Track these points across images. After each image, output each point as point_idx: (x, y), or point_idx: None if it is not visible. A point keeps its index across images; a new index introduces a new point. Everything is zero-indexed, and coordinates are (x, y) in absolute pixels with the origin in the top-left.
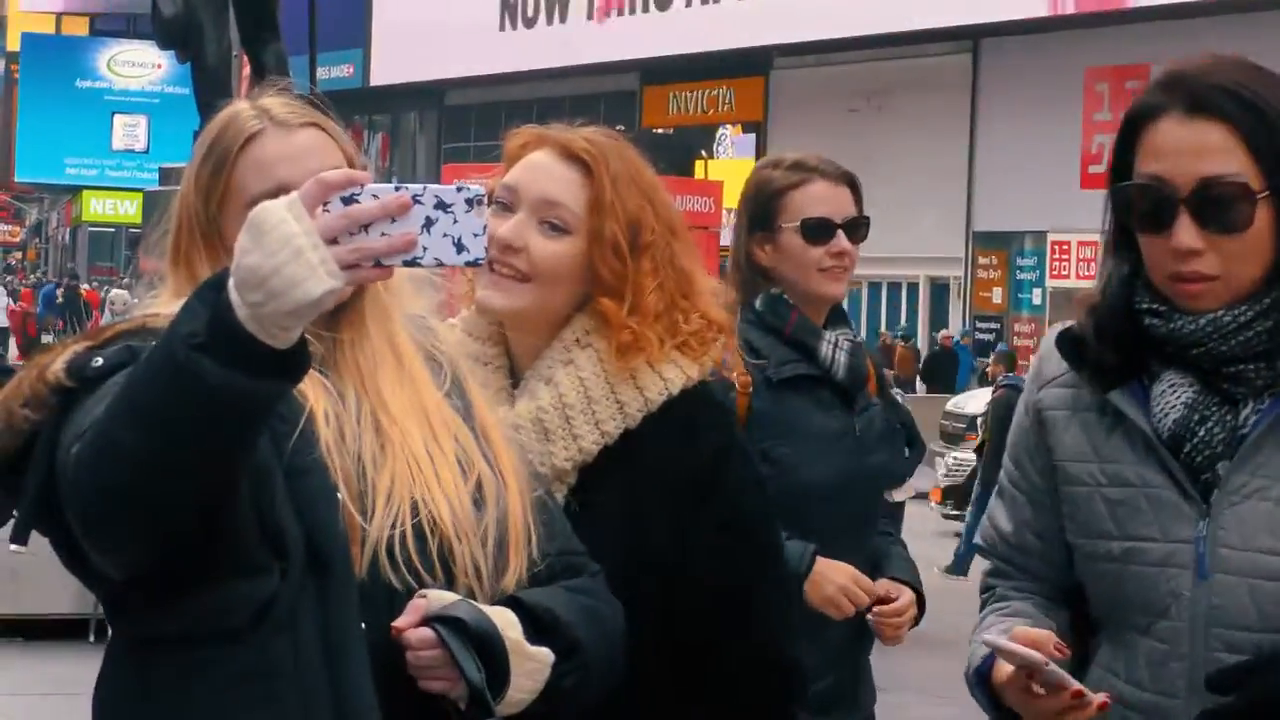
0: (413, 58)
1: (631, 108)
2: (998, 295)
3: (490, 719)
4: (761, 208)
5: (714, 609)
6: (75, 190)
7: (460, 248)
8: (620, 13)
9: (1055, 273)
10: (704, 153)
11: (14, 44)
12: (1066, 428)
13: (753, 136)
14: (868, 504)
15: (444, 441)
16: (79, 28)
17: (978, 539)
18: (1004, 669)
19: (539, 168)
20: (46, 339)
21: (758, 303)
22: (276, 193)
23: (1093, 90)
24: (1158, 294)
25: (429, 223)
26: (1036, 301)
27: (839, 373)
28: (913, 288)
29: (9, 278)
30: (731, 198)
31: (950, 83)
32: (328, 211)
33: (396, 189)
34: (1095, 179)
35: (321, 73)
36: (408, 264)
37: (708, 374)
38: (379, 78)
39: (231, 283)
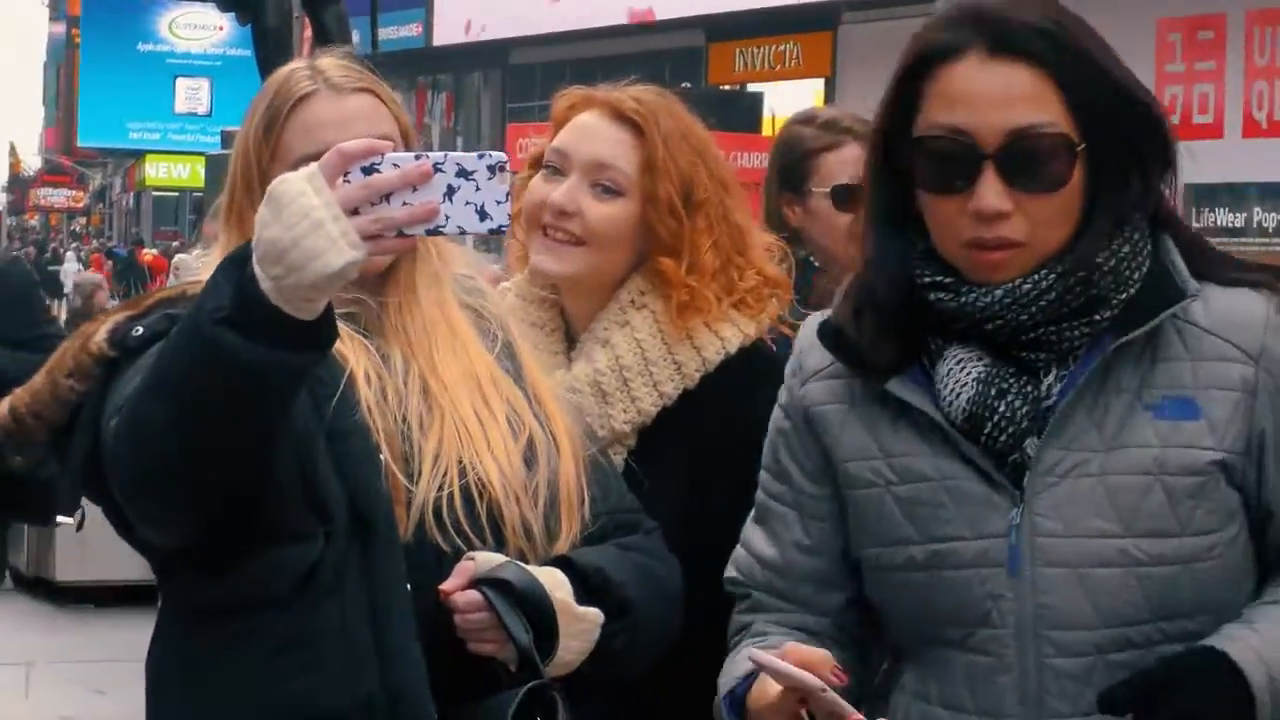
0: (476, 16)
1: (697, 64)
2: None
3: (539, 680)
4: (792, 167)
5: None
6: (138, 155)
7: (483, 215)
8: None
9: None
10: (773, 111)
11: (75, 8)
12: (844, 424)
13: (813, 85)
14: None
15: (494, 404)
16: None
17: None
18: (768, 691)
19: (588, 130)
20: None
21: None
22: (322, 156)
23: (1165, 41)
24: (941, 264)
25: (451, 191)
26: None
27: None
28: None
29: (75, 244)
30: None
31: None
32: (348, 182)
33: (417, 157)
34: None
35: (388, 32)
36: (430, 233)
37: (765, 331)
38: (442, 37)
39: (254, 257)
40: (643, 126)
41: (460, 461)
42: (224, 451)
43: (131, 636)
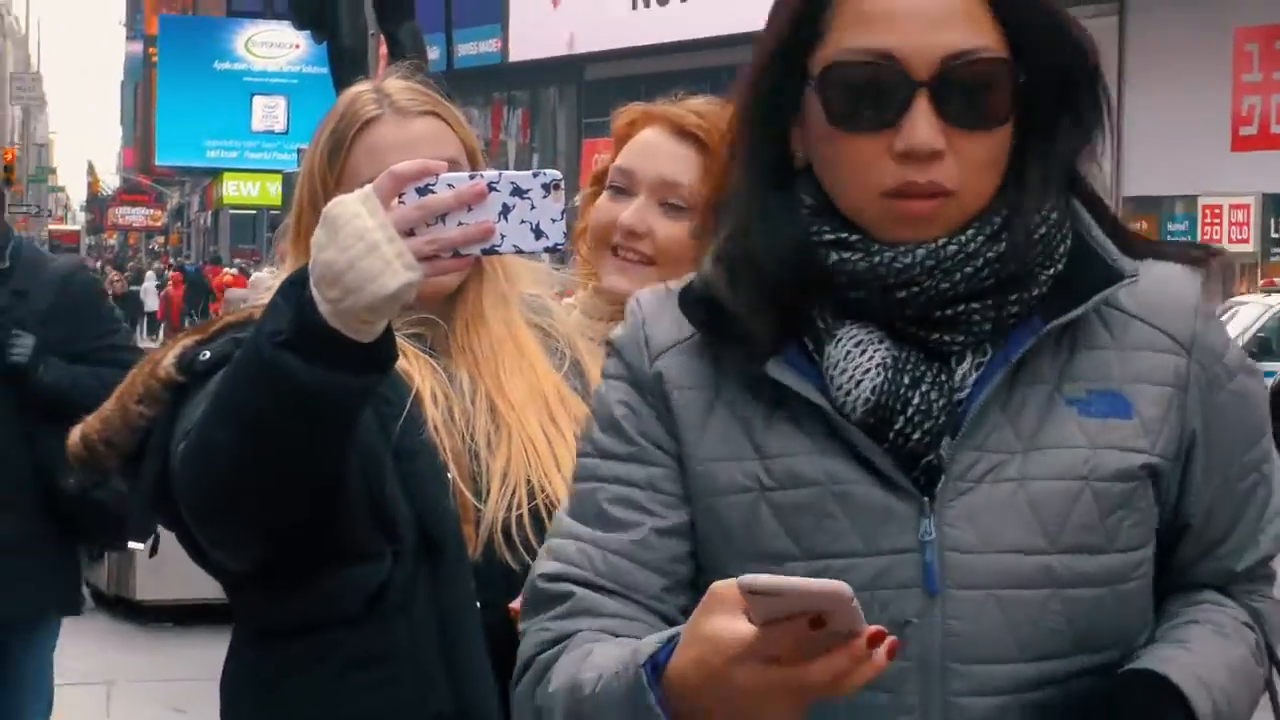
0: (552, 32)
1: None
2: None
3: None
4: None
5: None
6: (215, 173)
7: (539, 233)
8: None
9: (1207, 236)
10: None
11: (152, 27)
12: (705, 418)
13: None
14: None
15: (562, 422)
16: (216, 9)
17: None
18: (725, 640)
19: (652, 147)
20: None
21: None
22: None
23: (1242, 50)
24: (843, 221)
25: (506, 209)
26: None
27: None
28: None
29: (155, 264)
30: None
31: (1096, 46)
32: (403, 204)
33: (471, 177)
34: (1246, 141)
35: (465, 49)
36: (486, 252)
37: None
38: (518, 53)
39: (311, 279)
40: (707, 141)
41: (529, 481)
42: (287, 474)
43: (211, 655)
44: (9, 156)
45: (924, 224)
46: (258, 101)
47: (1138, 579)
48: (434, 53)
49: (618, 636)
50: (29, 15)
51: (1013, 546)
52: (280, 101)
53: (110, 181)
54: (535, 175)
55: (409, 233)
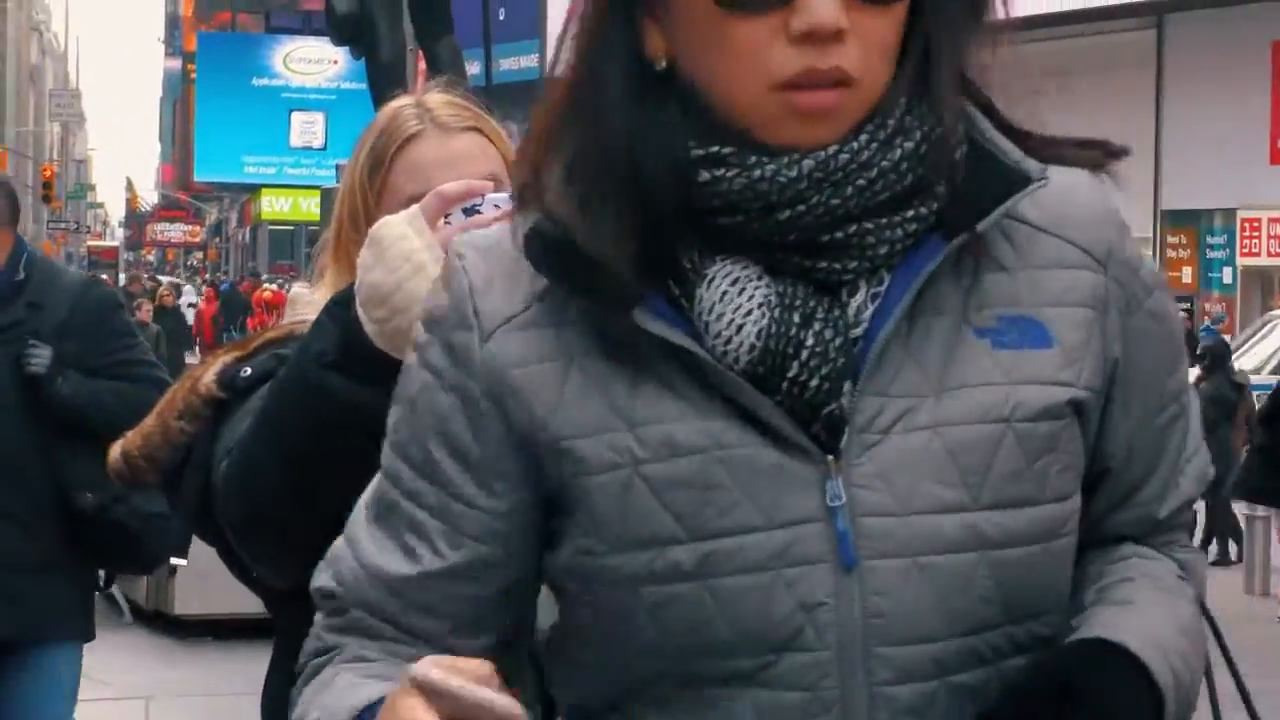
0: None
1: None
2: (1187, 274)
3: None
4: None
5: None
6: (254, 189)
7: None
8: None
9: (1246, 250)
10: None
11: (191, 44)
12: (560, 388)
13: None
14: None
15: None
16: (255, 25)
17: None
18: None
19: None
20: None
21: None
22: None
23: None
24: (717, 133)
25: None
26: (1227, 280)
27: None
28: None
29: (194, 279)
30: None
31: (1134, 60)
32: (449, 224)
33: None
34: None
35: (508, 64)
36: None
37: None
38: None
39: (357, 300)
40: None
41: None
42: (332, 491)
43: (250, 670)
44: (48, 173)
45: (827, 120)
46: (296, 117)
47: (1068, 533)
48: (474, 68)
49: (391, 657)
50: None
51: (933, 506)
52: (318, 117)
53: (149, 198)
54: None
55: None
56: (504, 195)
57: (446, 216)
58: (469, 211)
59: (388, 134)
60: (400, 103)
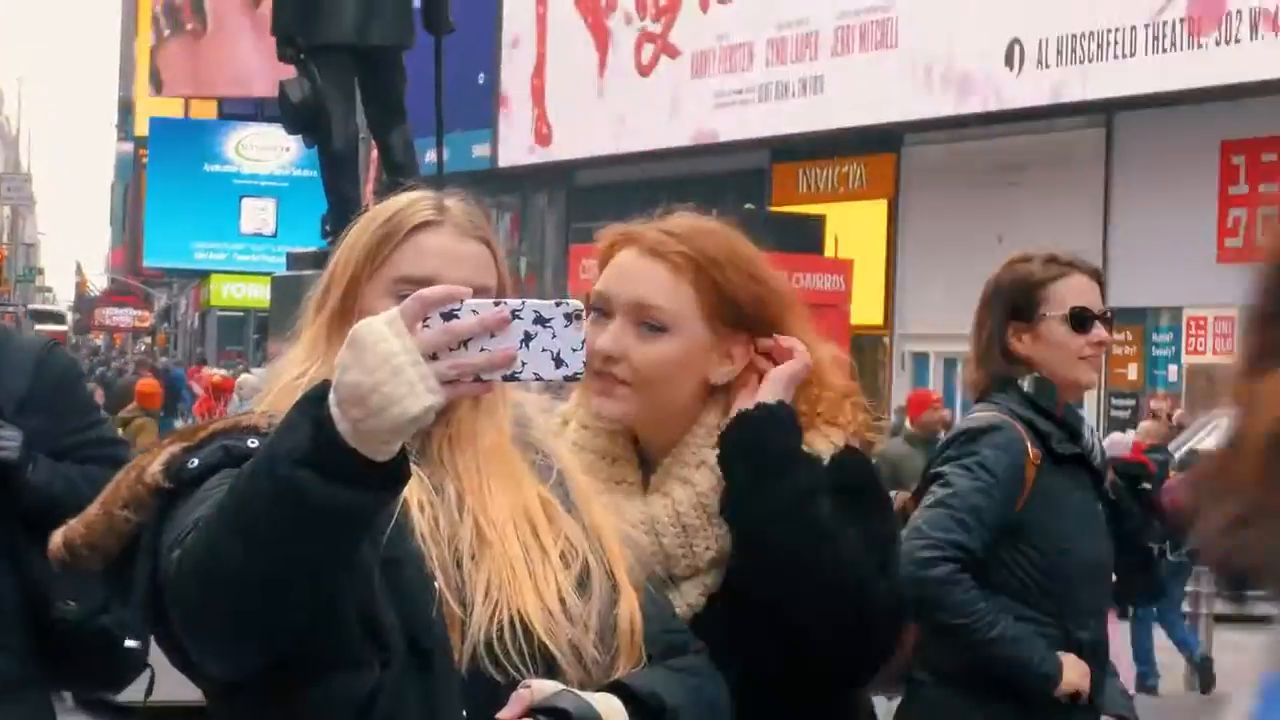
0: (541, 137)
1: (761, 186)
2: (1133, 371)
3: None
4: (1023, 298)
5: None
6: (204, 275)
7: (559, 362)
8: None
9: (1192, 349)
10: (836, 233)
11: (143, 129)
12: None
13: (876, 206)
14: (1109, 589)
15: (546, 540)
16: (207, 111)
17: None
18: None
19: (627, 270)
20: (179, 424)
21: (1025, 385)
22: (424, 281)
23: (1229, 162)
24: None
25: (528, 338)
26: (1172, 378)
27: (1096, 458)
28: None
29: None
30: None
31: (1083, 157)
32: (428, 327)
33: (496, 304)
34: (1232, 253)
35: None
36: (507, 379)
37: (854, 439)
38: (507, 159)
39: (332, 398)
40: (681, 261)
41: (509, 597)
42: (294, 587)
43: None
44: None
45: None
46: (247, 204)
47: None
48: (430, 155)
49: None
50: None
51: None
52: (270, 204)
53: (98, 282)
54: (558, 305)
55: (433, 356)
56: (483, 302)
57: (425, 321)
58: (447, 316)
59: (404, 214)
60: (418, 194)
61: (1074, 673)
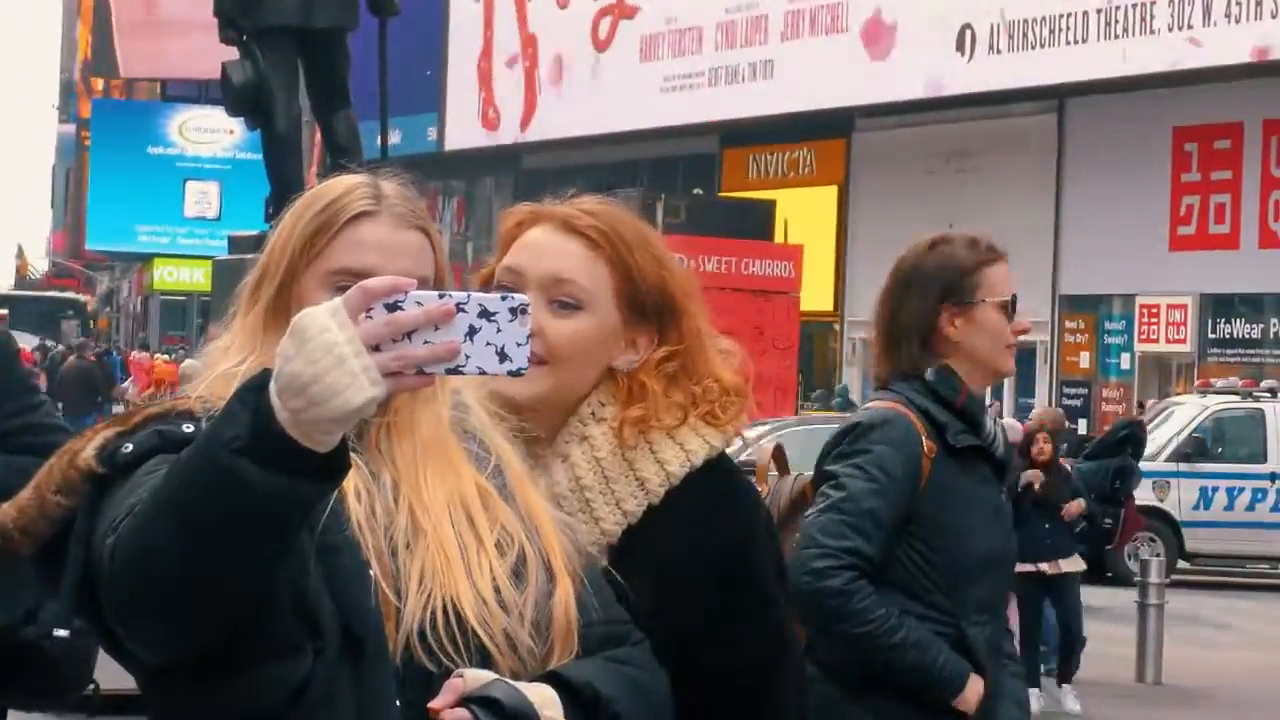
0: (488, 122)
1: (710, 171)
2: (1085, 359)
3: None
4: (957, 281)
5: (732, 697)
6: (146, 258)
7: (503, 356)
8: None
9: (1144, 336)
10: (785, 218)
11: (86, 110)
12: None
13: (826, 191)
14: (1009, 582)
15: (481, 528)
16: (151, 93)
17: None
18: None
19: (540, 245)
20: (117, 409)
21: (929, 374)
22: (362, 274)
23: (1181, 150)
24: None
25: (472, 331)
26: (1125, 366)
27: (999, 449)
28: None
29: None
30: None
31: (1035, 143)
32: (370, 318)
33: (440, 296)
34: (1184, 240)
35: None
36: (450, 372)
37: (732, 443)
38: (453, 142)
39: (273, 387)
40: (597, 238)
41: (443, 586)
42: (232, 576)
43: None
44: None
45: None
46: (190, 187)
47: None
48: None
49: None
50: None
51: None
52: (213, 187)
53: (39, 265)
54: (503, 299)
55: (375, 348)
56: (428, 294)
57: (369, 311)
58: (391, 307)
59: (339, 204)
60: (355, 179)
61: (973, 693)
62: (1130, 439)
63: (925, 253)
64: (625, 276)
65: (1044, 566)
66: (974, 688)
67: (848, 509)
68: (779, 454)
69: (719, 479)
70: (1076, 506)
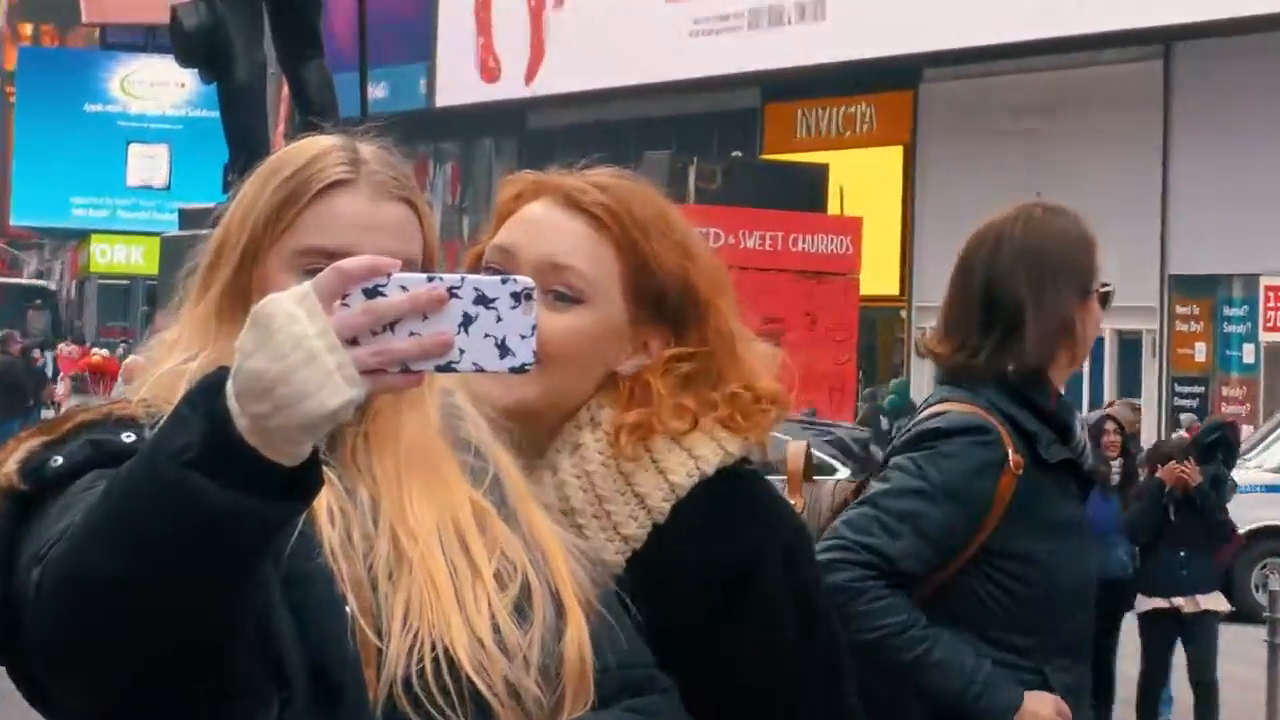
0: (487, 73)
1: (751, 130)
2: (1201, 352)
3: None
4: (1087, 265)
5: None
6: (82, 235)
7: (504, 350)
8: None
9: (1270, 324)
10: (841, 184)
11: (10, 61)
12: None
13: (889, 153)
14: (1092, 617)
15: (477, 554)
16: (88, 41)
17: None
18: None
19: (539, 223)
20: (47, 413)
21: (1011, 374)
22: (336, 254)
23: None
24: None
25: (468, 320)
26: (1248, 359)
27: (1088, 459)
28: (1096, 345)
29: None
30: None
31: (1136, 96)
32: (347, 306)
33: (429, 280)
34: None
35: (381, 92)
36: (441, 369)
37: (751, 451)
38: (447, 98)
39: (231, 388)
40: (605, 217)
41: (431, 629)
42: (181, 612)
43: None
44: None
45: None
46: (134, 151)
47: None
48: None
49: None
50: None
51: None
52: (161, 151)
53: None
54: (504, 282)
55: (353, 341)
56: (414, 277)
57: (344, 298)
58: (371, 293)
59: (310, 170)
60: (330, 141)
61: (1044, 706)
62: (1221, 443)
63: (1042, 223)
64: (637, 265)
65: (1180, 603)
66: (1041, 703)
67: (884, 505)
68: (808, 456)
69: (732, 487)
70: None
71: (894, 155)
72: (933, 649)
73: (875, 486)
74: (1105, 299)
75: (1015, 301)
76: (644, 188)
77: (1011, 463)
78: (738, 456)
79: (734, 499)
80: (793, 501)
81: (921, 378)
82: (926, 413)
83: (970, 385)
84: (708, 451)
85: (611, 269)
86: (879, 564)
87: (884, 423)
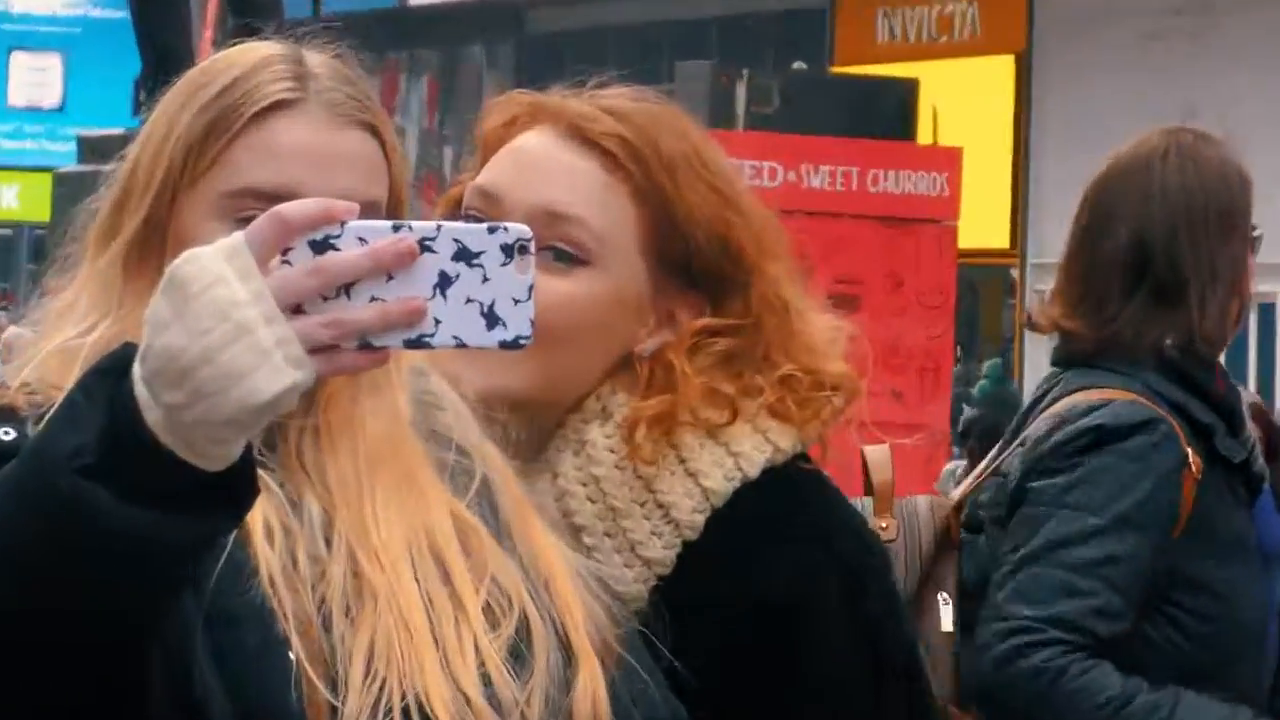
0: None
1: (818, 34)
2: None
3: None
4: (1248, 209)
5: None
6: None
7: (492, 319)
8: None
9: None
10: (935, 104)
11: None
12: None
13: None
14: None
15: (460, 582)
16: None
17: None
18: None
19: (535, 159)
20: None
21: (1170, 348)
22: (277, 196)
23: None
24: None
25: (445, 281)
26: None
27: (1258, 458)
28: (1266, 309)
29: None
30: (979, 173)
31: None
32: (289, 264)
33: (396, 229)
34: None
35: None
36: (410, 345)
37: (806, 446)
38: None
39: (139, 371)
40: (621, 154)
41: (403, 675)
42: (78, 657)
43: None
44: None
45: None
46: (18, 61)
47: None
48: None
49: None
50: None
51: None
52: (52, 62)
53: None
54: (492, 232)
55: (297, 309)
56: (376, 226)
57: (286, 253)
58: (319, 246)
59: (245, 86)
60: (272, 49)
61: None
62: None
63: (1197, 154)
64: (661, 216)
65: None
66: None
67: (1057, 559)
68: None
69: (781, 492)
70: None
71: (1004, 67)
72: (1176, 709)
73: (1032, 534)
74: (1254, 246)
75: (1173, 257)
76: (673, 114)
77: (1192, 465)
78: (790, 454)
79: (783, 509)
80: (882, 524)
81: (1039, 356)
82: (1066, 404)
83: (1114, 366)
84: (750, 447)
85: (627, 221)
86: (1074, 639)
87: (965, 414)
